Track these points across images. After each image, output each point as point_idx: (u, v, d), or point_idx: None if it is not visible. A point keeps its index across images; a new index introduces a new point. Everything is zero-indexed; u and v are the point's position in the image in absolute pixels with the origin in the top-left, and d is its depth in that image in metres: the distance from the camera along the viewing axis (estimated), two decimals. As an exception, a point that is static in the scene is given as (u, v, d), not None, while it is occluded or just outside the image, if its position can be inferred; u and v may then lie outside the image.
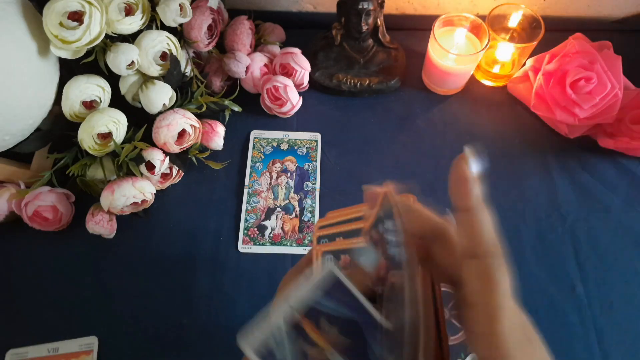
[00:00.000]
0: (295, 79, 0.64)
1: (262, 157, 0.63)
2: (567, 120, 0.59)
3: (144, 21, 0.52)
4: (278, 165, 0.62)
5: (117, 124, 0.52)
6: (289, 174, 0.62)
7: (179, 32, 0.58)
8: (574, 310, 0.53)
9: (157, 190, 0.57)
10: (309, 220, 0.59)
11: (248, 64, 0.62)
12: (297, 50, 0.64)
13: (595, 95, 0.57)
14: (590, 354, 0.50)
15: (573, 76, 0.58)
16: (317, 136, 0.65)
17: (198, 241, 0.57)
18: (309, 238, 0.57)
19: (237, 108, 0.64)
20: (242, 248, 0.57)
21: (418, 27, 0.71)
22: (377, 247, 0.28)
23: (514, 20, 0.65)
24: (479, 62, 0.65)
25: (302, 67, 0.63)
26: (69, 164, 0.55)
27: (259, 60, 0.64)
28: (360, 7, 0.60)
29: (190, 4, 0.56)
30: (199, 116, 0.59)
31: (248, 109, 0.65)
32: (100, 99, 0.53)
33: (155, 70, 0.54)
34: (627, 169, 0.62)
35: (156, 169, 0.53)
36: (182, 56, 0.57)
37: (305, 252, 0.52)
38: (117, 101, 0.55)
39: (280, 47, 0.67)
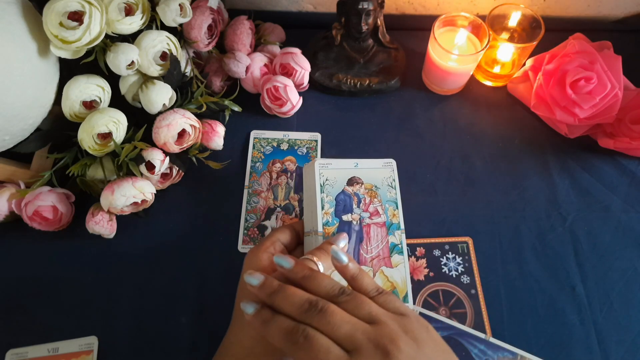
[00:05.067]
0: (295, 79, 0.64)
1: (262, 157, 0.63)
2: (567, 120, 0.60)
3: (144, 21, 0.52)
4: (278, 165, 0.62)
5: (117, 124, 0.51)
6: (289, 174, 0.62)
7: (179, 32, 0.58)
8: (574, 310, 0.53)
9: (157, 190, 0.57)
10: (309, 220, 0.59)
11: (248, 64, 0.62)
12: (297, 50, 0.64)
13: (595, 95, 0.57)
14: (590, 354, 0.51)
15: (573, 76, 0.58)
16: (317, 136, 0.65)
17: (198, 241, 0.57)
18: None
19: (237, 108, 0.64)
20: (242, 248, 0.57)
21: (418, 27, 0.71)
22: None
23: (513, 20, 0.65)
24: (479, 62, 0.65)
25: (302, 67, 0.63)
26: (69, 164, 0.55)
27: (259, 60, 0.64)
28: (360, 7, 0.60)
29: (190, 4, 0.56)
30: (199, 116, 0.59)
31: (248, 109, 0.65)
32: (100, 99, 0.53)
33: (155, 70, 0.54)
34: (627, 169, 0.62)
35: (156, 169, 0.53)
36: (182, 56, 0.57)
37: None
38: (117, 101, 0.55)
39: (280, 47, 0.67)
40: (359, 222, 0.45)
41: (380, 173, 0.47)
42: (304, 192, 0.49)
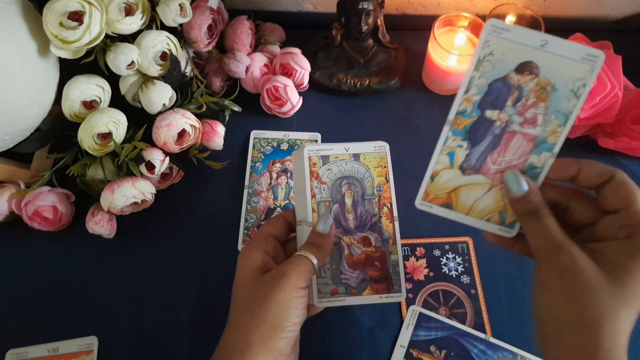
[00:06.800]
0: (295, 79, 0.64)
1: (262, 157, 0.63)
2: (567, 120, 0.59)
3: (144, 21, 0.52)
4: (278, 165, 0.62)
5: (117, 124, 0.52)
6: (289, 174, 0.62)
7: (179, 32, 0.58)
8: (574, 310, 0.53)
9: (157, 190, 0.57)
10: (309, 220, 0.59)
11: (248, 64, 0.62)
12: (297, 50, 0.64)
13: (595, 95, 0.57)
14: (590, 354, 0.50)
15: (573, 76, 0.58)
16: (317, 136, 0.65)
17: (198, 241, 0.57)
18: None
19: (237, 108, 0.64)
20: (242, 248, 0.57)
21: (418, 27, 0.71)
22: None
23: (513, 21, 0.65)
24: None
25: (302, 67, 0.63)
26: (69, 164, 0.55)
27: (259, 60, 0.64)
28: (360, 7, 0.60)
29: (190, 4, 0.56)
30: (199, 116, 0.59)
31: (248, 109, 0.65)
32: (100, 99, 0.53)
33: (155, 70, 0.54)
34: (627, 169, 0.61)
35: (156, 169, 0.53)
36: (182, 56, 0.57)
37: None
38: (117, 101, 0.55)
39: (280, 47, 0.68)
40: (504, 124, 0.35)
41: (571, 68, 0.33)
42: (294, 179, 0.46)
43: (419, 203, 0.38)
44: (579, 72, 0.33)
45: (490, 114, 0.35)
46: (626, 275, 0.30)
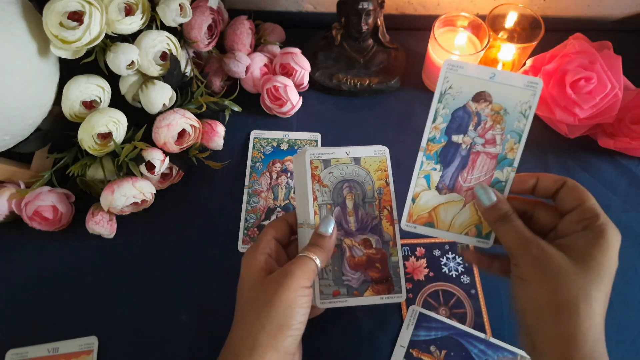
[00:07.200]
0: (295, 79, 0.64)
1: (262, 157, 0.63)
2: (567, 120, 0.60)
3: (144, 21, 0.52)
4: (278, 165, 0.62)
5: (117, 124, 0.52)
6: (289, 174, 0.62)
7: (179, 32, 0.58)
8: (574, 310, 0.53)
9: (157, 190, 0.57)
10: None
11: (248, 64, 0.62)
12: (297, 50, 0.64)
13: (595, 95, 0.57)
14: (590, 354, 0.50)
15: (573, 76, 0.58)
16: (317, 136, 0.65)
17: (198, 241, 0.57)
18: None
19: (237, 108, 0.64)
20: (242, 248, 0.57)
21: (418, 27, 0.71)
22: None
23: (513, 20, 0.65)
24: (478, 62, 0.65)
25: (302, 67, 0.63)
26: (69, 164, 0.55)
27: (259, 60, 0.64)
28: (360, 7, 0.60)
29: (190, 4, 0.56)
30: (199, 116, 0.59)
31: (248, 109, 0.65)
32: (100, 99, 0.53)
33: (155, 70, 0.54)
34: (627, 169, 0.62)
35: (156, 169, 0.53)
36: (182, 56, 0.57)
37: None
38: (117, 101, 0.55)
39: (280, 47, 0.68)
40: (468, 146, 0.40)
41: (518, 94, 0.38)
42: (295, 183, 0.47)
43: (404, 225, 0.41)
44: (524, 96, 0.39)
45: (456, 138, 0.40)
46: (589, 260, 0.34)
